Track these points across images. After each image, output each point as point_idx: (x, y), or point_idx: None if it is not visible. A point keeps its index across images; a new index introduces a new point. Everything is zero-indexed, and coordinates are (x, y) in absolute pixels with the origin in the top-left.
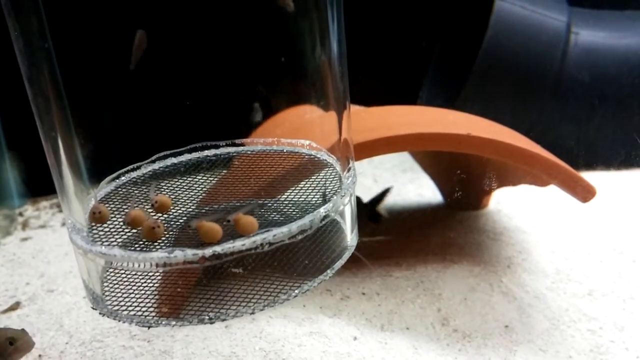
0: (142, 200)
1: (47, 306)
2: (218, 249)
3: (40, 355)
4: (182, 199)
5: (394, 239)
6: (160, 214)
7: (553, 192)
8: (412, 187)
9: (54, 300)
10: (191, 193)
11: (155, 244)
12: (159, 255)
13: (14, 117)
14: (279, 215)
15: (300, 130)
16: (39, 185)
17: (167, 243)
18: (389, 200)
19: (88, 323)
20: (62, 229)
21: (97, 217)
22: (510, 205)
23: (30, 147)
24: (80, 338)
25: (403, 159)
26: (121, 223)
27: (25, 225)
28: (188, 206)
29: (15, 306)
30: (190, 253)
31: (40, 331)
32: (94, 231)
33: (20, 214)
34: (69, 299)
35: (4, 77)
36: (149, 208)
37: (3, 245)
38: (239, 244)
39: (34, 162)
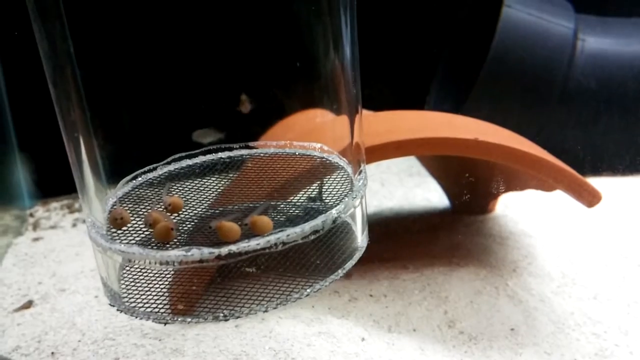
0: (157, 201)
1: (59, 305)
2: (234, 248)
3: (53, 353)
4: (196, 199)
5: (401, 243)
6: (175, 214)
7: (559, 197)
8: (420, 191)
9: (66, 299)
10: (206, 194)
11: (171, 243)
12: (176, 253)
13: (26, 119)
14: (291, 216)
15: (312, 133)
16: (50, 186)
17: (182, 242)
18: (395, 205)
19: (100, 322)
20: (72, 230)
21: (118, 223)
22: (517, 209)
23: (41, 148)
24: (93, 336)
25: (410, 164)
26: (139, 222)
27: (36, 226)
28: (202, 207)
29: (27, 305)
30: (206, 251)
31: (53, 329)
32: (113, 230)
33: (31, 215)
34: (81, 298)
35: (17, 80)
36: (162, 209)
37: (15, 245)
38: (253, 244)
39: (45, 163)
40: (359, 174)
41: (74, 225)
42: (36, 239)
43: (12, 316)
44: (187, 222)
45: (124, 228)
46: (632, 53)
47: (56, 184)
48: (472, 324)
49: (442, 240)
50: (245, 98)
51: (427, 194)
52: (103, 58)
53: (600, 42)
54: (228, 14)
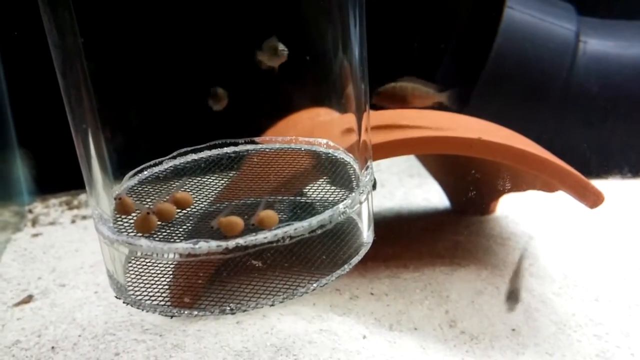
0: (163, 195)
1: (59, 300)
2: (241, 241)
3: (53, 347)
4: (201, 194)
5: (402, 242)
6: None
7: (560, 198)
8: (420, 191)
9: (65, 294)
10: (210, 188)
11: (178, 235)
12: (184, 245)
13: (26, 115)
14: (296, 211)
15: (318, 130)
16: (49, 182)
17: (188, 234)
18: (396, 205)
19: (100, 317)
20: (71, 226)
21: (119, 204)
22: (518, 210)
23: (41, 145)
24: (93, 331)
25: (411, 164)
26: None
27: (34, 222)
28: (207, 201)
29: (27, 299)
30: (214, 244)
31: (53, 324)
32: (119, 222)
33: (30, 211)
34: (81, 294)
35: (17, 77)
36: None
37: (14, 240)
38: (261, 237)
39: (44, 160)
40: (366, 169)
41: (73, 221)
42: (35, 235)
43: (11, 310)
44: (191, 217)
45: (130, 219)
46: (633, 55)
47: (55, 180)
48: (473, 323)
49: (442, 241)
50: (222, 92)
51: (427, 194)
52: (112, 50)
53: (602, 44)
54: (236, 10)
